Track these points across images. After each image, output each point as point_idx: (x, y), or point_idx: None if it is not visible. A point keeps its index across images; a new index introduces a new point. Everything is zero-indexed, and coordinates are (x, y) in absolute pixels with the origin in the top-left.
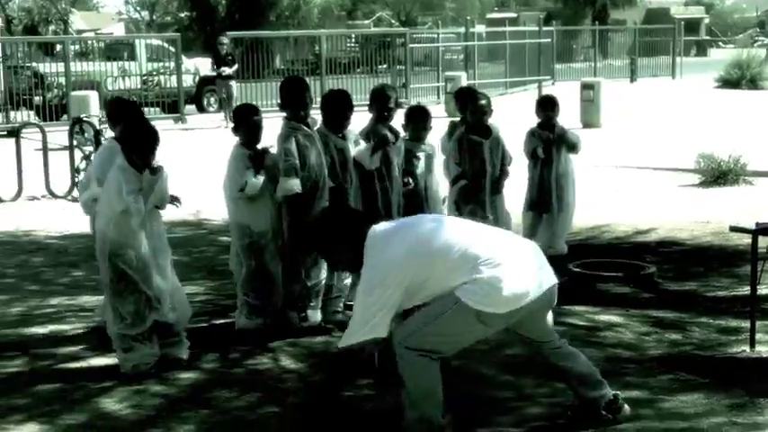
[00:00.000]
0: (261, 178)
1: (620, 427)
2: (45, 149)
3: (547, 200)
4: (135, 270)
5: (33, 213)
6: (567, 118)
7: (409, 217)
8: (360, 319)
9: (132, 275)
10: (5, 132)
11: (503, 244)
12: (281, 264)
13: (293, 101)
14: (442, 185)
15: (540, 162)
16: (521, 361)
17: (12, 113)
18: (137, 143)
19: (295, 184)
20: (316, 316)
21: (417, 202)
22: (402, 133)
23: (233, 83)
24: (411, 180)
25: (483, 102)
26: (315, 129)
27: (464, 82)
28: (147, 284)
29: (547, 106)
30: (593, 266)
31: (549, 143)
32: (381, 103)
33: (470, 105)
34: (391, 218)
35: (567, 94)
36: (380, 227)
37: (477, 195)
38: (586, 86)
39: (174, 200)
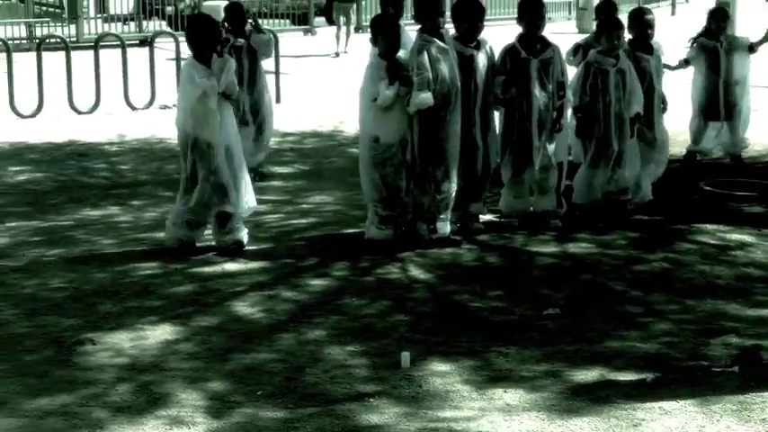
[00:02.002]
0: (394, 90)
1: (750, 343)
2: (178, 59)
3: (715, 107)
4: (207, 158)
5: (165, 121)
6: None
7: None
8: None
9: (204, 163)
10: (138, 41)
11: None
12: (405, 176)
13: (427, 11)
14: None
15: (709, 69)
16: (650, 277)
17: (144, 23)
18: (198, 33)
19: (428, 98)
20: (445, 228)
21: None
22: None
23: (352, 6)
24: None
25: (650, 16)
26: (448, 40)
27: None
28: (219, 173)
29: (719, 16)
30: (725, 185)
31: (717, 51)
32: (532, 15)
33: (635, 21)
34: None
35: (701, 11)
36: None
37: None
38: (721, 3)
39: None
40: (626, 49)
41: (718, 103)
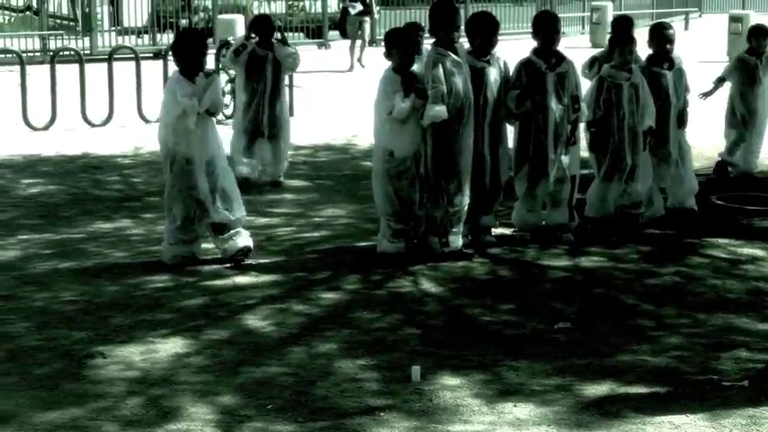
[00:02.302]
0: (409, 102)
1: (760, 357)
2: None
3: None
4: (187, 173)
5: None
6: (714, 51)
7: None
8: None
9: (184, 179)
10: (152, 54)
11: None
12: (418, 189)
13: (443, 25)
14: None
15: (747, 85)
16: (661, 291)
17: (158, 36)
18: (185, 49)
19: (442, 111)
20: (457, 241)
21: None
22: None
23: (367, 21)
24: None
25: (670, 31)
26: (462, 54)
27: (610, 12)
28: (198, 189)
29: (760, 34)
30: (736, 200)
31: (756, 68)
32: (548, 29)
33: (659, 34)
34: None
35: (714, 26)
36: None
37: (660, 130)
38: (734, 19)
39: None
40: (642, 63)
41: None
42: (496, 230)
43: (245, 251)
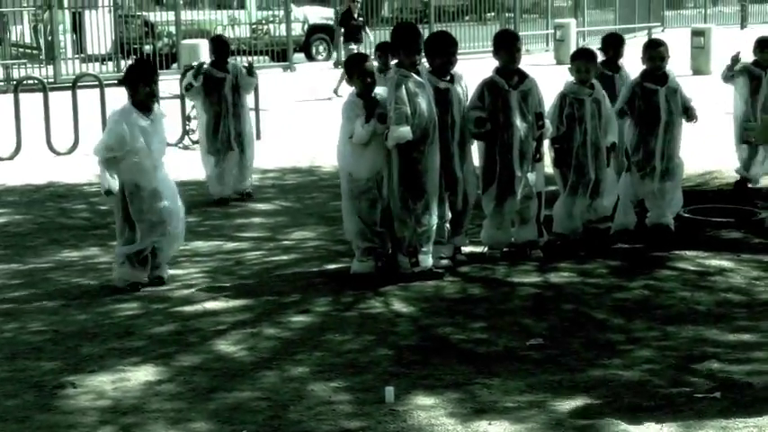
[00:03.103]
0: (369, 128)
1: (731, 368)
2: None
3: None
4: (138, 199)
5: None
6: (677, 65)
7: None
8: None
9: (136, 205)
10: (116, 81)
11: None
12: (379, 210)
13: (405, 47)
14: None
15: (751, 97)
16: (631, 305)
17: (122, 62)
18: (135, 78)
19: (406, 132)
20: (427, 261)
21: None
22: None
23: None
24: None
25: (661, 48)
26: (424, 75)
27: (573, 29)
28: (150, 214)
29: (764, 46)
30: (703, 212)
31: (760, 79)
32: (509, 48)
33: (647, 52)
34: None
35: (677, 40)
36: None
37: (648, 144)
38: (697, 33)
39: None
40: (636, 79)
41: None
42: (466, 248)
43: (160, 282)
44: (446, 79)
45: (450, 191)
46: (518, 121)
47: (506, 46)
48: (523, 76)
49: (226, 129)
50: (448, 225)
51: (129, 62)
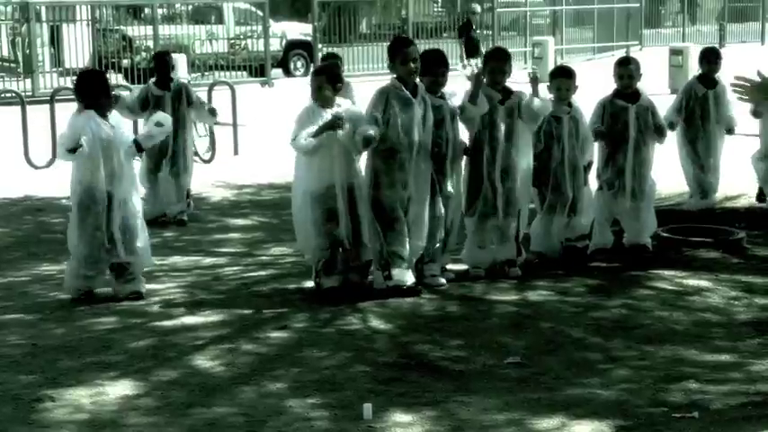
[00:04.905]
0: (314, 141)
1: (709, 388)
2: None
3: None
4: (94, 213)
5: None
6: (656, 84)
7: None
8: None
9: (90, 219)
10: None
11: None
12: (337, 222)
13: (400, 60)
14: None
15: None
16: (609, 324)
17: None
18: (87, 87)
19: (371, 130)
20: (402, 276)
21: None
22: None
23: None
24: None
25: (630, 66)
26: (422, 91)
27: (551, 47)
28: (104, 228)
29: (711, 59)
30: (681, 231)
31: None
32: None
33: (616, 69)
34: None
35: (654, 59)
36: None
37: (616, 162)
38: (675, 52)
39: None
40: (607, 97)
41: None
42: (449, 266)
43: (138, 296)
44: (438, 96)
45: (442, 209)
46: (502, 137)
47: (493, 62)
48: (509, 92)
49: (162, 149)
50: (438, 244)
51: (113, 75)
